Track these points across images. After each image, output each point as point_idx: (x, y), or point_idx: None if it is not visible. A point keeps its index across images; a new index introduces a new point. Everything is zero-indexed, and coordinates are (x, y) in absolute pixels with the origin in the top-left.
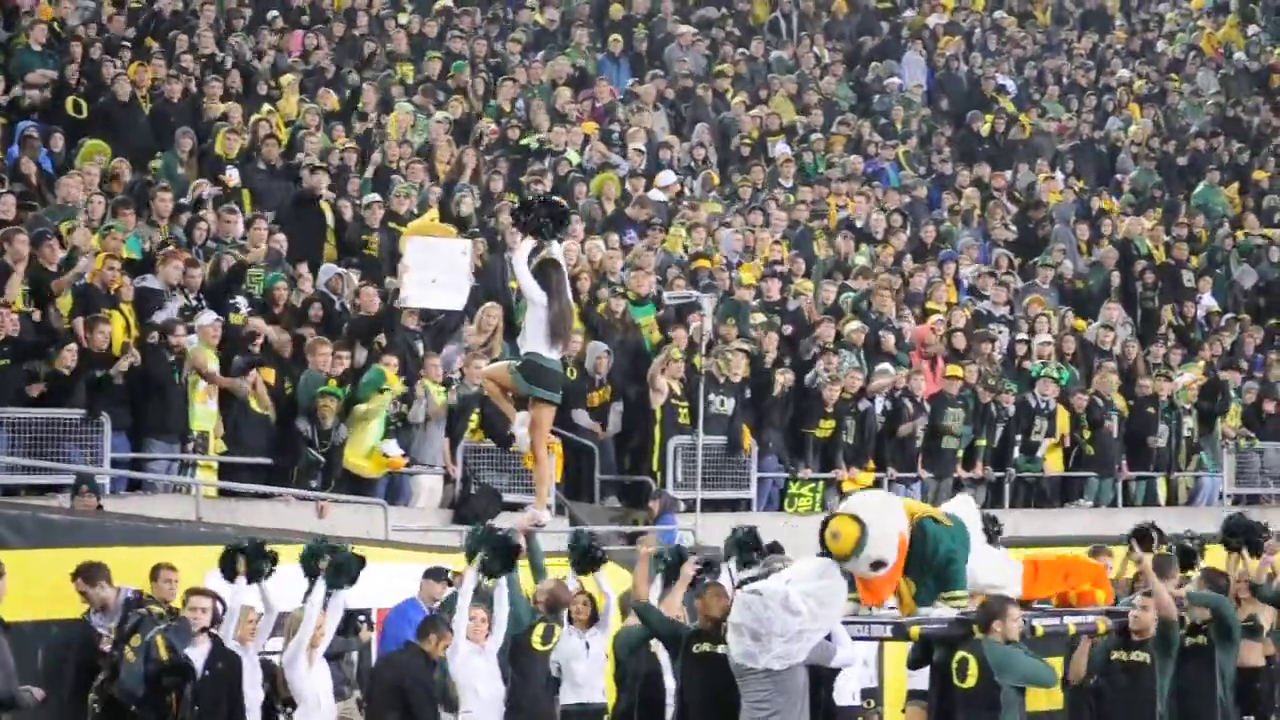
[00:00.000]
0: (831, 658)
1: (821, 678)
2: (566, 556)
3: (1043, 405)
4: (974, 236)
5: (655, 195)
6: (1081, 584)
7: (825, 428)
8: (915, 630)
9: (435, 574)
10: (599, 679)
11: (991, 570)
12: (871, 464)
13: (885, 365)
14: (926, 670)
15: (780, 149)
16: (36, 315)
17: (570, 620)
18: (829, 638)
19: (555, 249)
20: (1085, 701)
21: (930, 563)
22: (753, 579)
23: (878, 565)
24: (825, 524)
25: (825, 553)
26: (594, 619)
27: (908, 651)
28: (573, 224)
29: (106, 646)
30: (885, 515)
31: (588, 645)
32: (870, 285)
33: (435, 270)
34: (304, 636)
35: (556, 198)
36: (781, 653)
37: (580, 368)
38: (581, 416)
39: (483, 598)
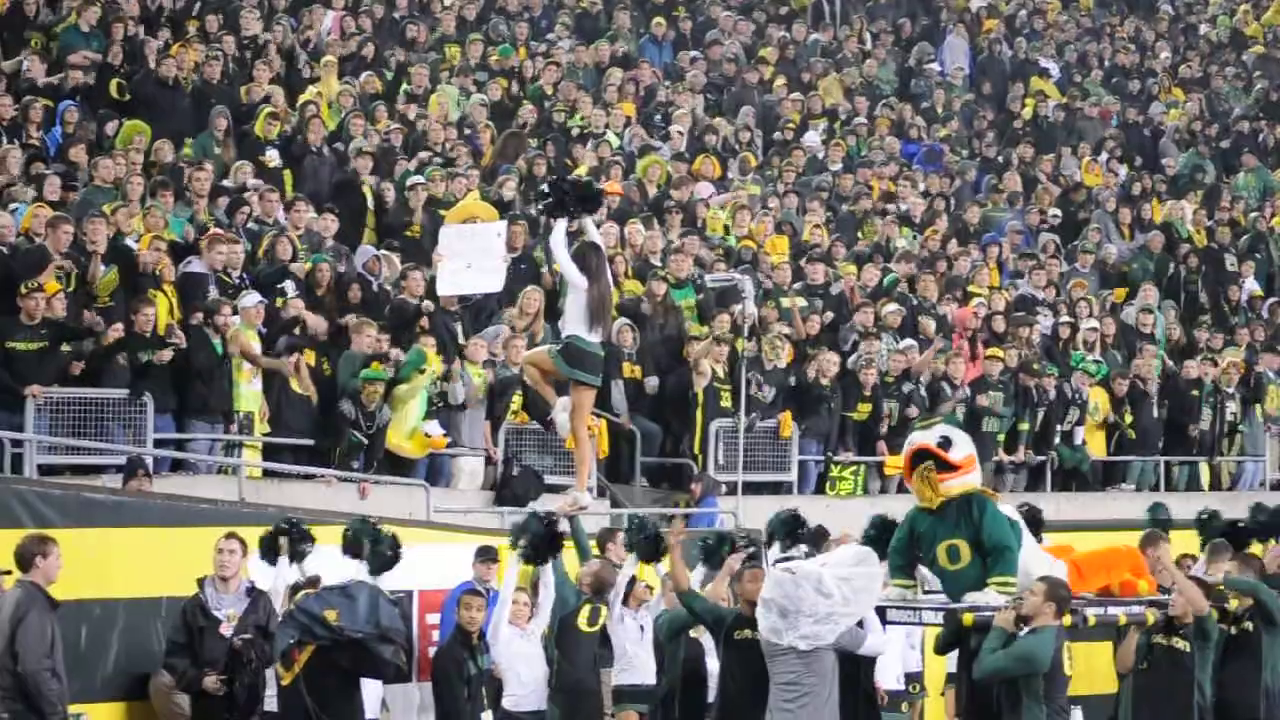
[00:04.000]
0: (860, 644)
1: (861, 663)
2: (630, 542)
3: (1076, 395)
4: (1018, 219)
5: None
6: (1122, 574)
7: (863, 410)
8: (969, 617)
9: (483, 554)
10: (652, 660)
11: (1038, 571)
12: None
13: (910, 341)
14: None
15: (820, 133)
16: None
17: (628, 603)
18: (860, 624)
19: (593, 232)
20: (1130, 688)
21: (984, 542)
22: (788, 559)
23: (945, 443)
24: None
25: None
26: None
27: (937, 636)
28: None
29: (227, 630)
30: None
31: (642, 628)
32: (912, 269)
33: (470, 256)
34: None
35: (580, 177)
36: (809, 633)
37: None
38: (618, 390)
39: (529, 582)
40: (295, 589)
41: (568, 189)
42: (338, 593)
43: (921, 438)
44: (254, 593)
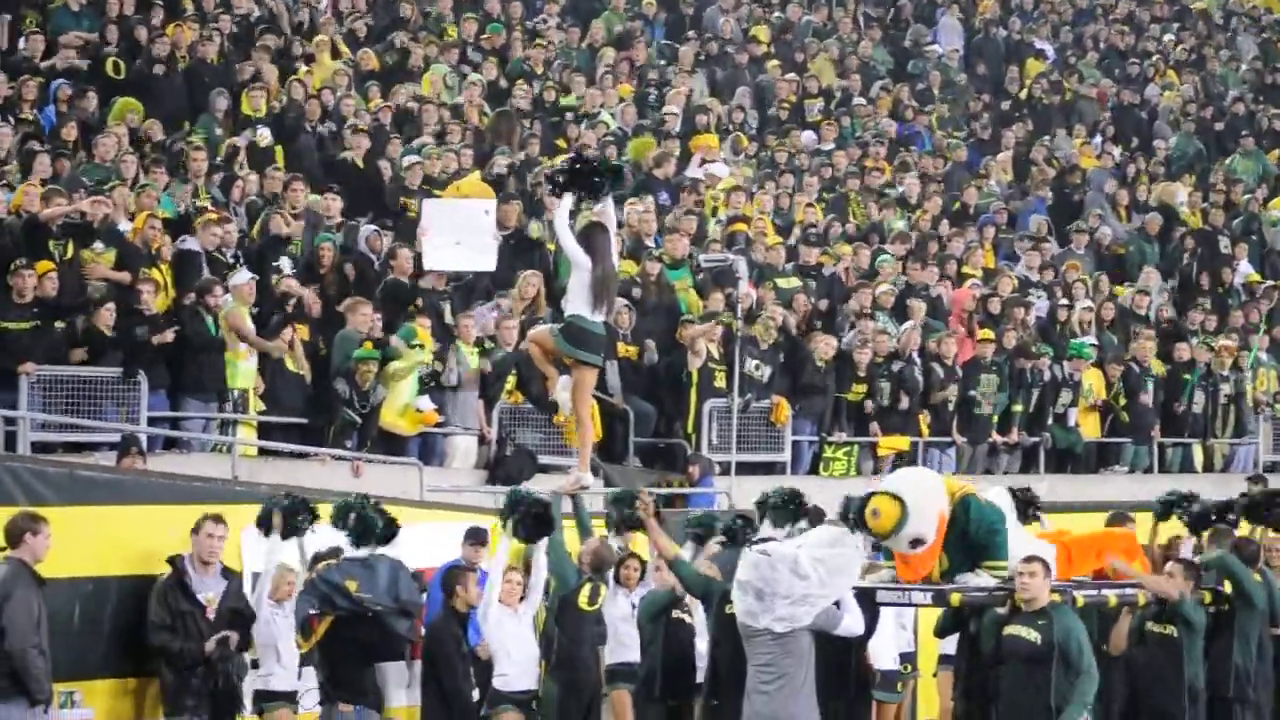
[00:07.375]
0: (837, 625)
1: (851, 644)
2: (605, 517)
3: (1068, 378)
4: (1005, 201)
5: (694, 173)
6: (1115, 557)
7: (858, 391)
8: (956, 597)
9: (472, 536)
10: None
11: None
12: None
13: (909, 324)
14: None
15: (815, 114)
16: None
17: (619, 580)
18: (837, 605)
19: (611, 213)
20: (1122, 671)
21: (972, 536)
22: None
23: (917, 543)
24: (865, 502)
25: (865, 531)
26: (643, 579)
27: (937, 619)
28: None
29: (211, 614)
30: (926, 493)
31: (634, 606)
32: (907, 250)
33: (457, 233)
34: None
35: (588, 155)
36: (784, 614)
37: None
38: (612, 370)
39: (521, 561)
40: (316, 560)
41: (581, 167)
42: (358, 564)
43: (894, 547)
44: (228, 574)
